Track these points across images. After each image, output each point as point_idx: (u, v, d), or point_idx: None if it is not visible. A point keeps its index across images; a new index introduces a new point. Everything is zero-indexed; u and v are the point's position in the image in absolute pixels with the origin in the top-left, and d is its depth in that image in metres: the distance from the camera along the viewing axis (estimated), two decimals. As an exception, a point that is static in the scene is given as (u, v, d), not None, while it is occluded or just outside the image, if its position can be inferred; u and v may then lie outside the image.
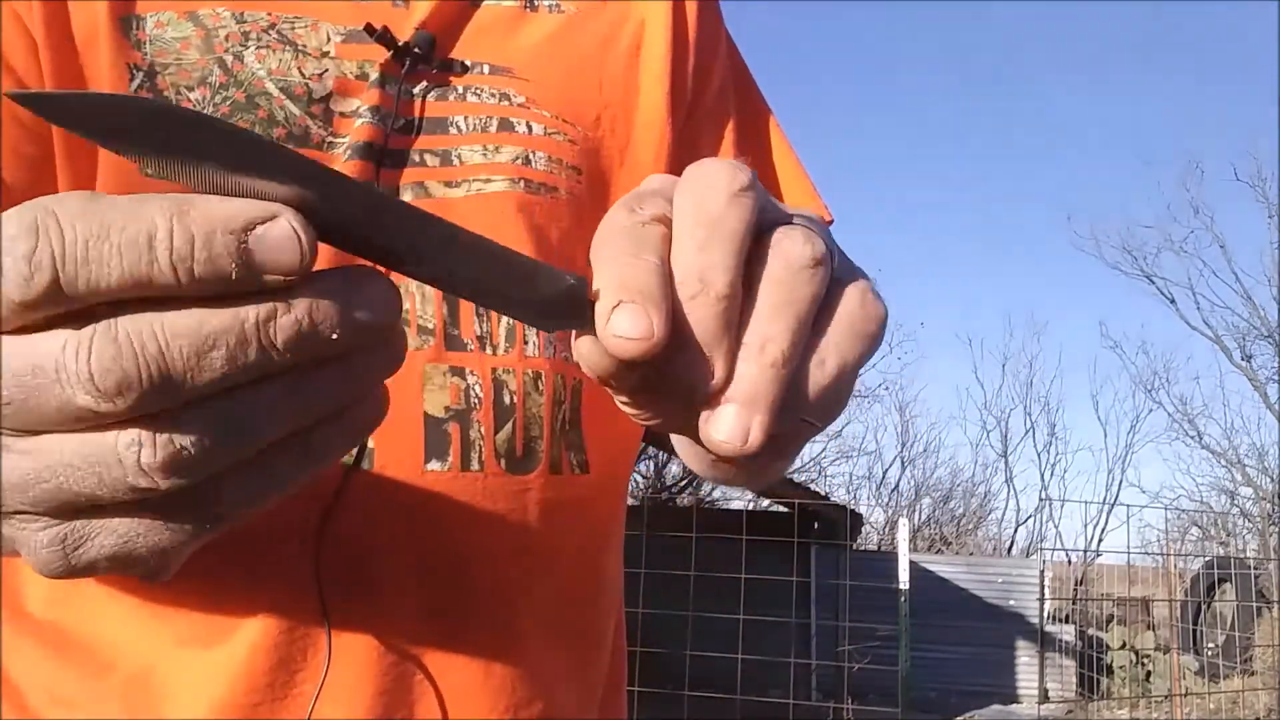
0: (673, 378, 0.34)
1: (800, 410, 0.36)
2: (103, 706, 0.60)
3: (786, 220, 0.37)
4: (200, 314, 0.29)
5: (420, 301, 0.64)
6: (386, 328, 0.32)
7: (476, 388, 0.64)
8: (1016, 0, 34.00)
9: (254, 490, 0.33)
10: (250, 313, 0.29)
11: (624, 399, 0.38)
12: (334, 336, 0.31)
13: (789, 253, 0.35)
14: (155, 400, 0.29)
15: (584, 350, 0.35)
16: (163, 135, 0.28)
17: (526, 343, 0.66)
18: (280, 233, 0.29)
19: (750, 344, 0.35)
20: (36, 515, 0.32)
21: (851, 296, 0.37)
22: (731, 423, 0.34)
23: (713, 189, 0.35)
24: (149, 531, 0.33)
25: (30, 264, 0.28)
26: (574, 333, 0.35)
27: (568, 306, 0.34)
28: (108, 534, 0.33)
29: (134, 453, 0.30)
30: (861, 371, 0.40)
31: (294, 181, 0.30)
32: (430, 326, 0.64)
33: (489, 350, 0.65)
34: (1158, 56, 33.29)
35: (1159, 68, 33.39)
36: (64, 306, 0.29)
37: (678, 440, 0.71)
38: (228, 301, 0.29)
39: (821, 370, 0.36)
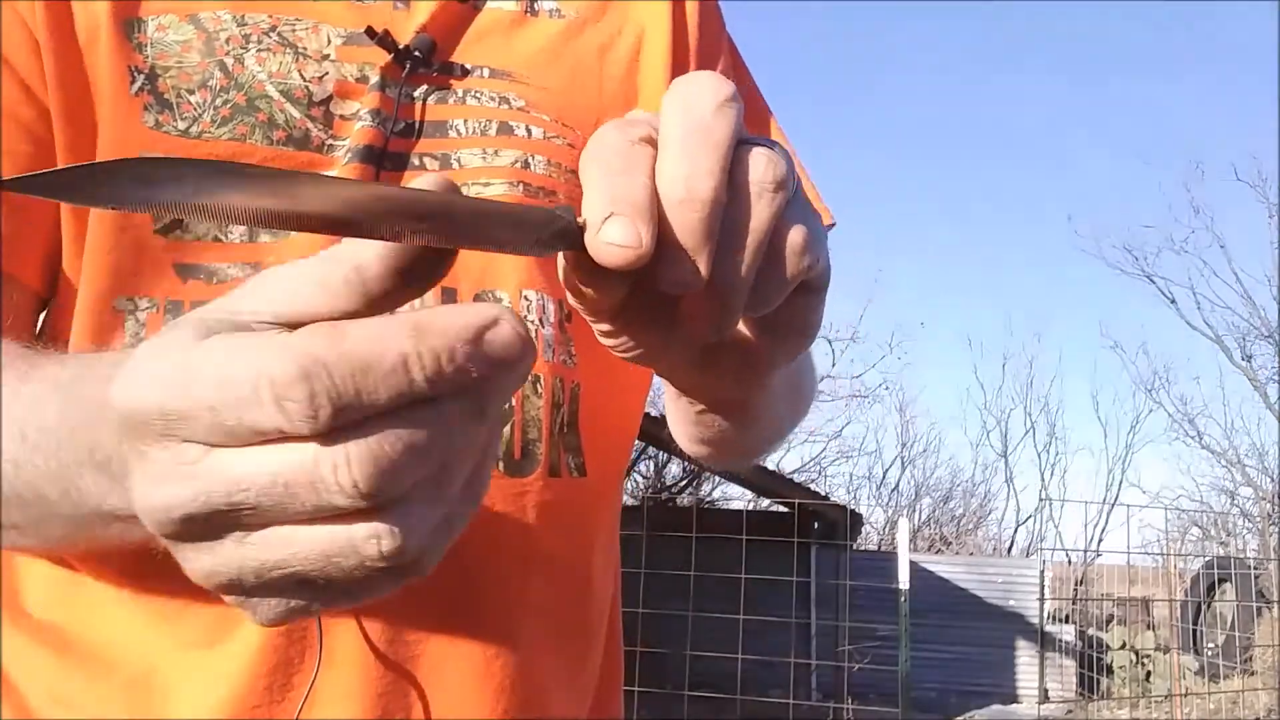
0: (656, 284, 0.37)
1: (753, 312, 0.40)
2: (104, 707, 0.60)
3: (756, 141, 0.39)
4: (439, 414, 0.32)
5: (419, 306, 0.64)
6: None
7: None
8: (1017, 0, 34.04)
9: (444, 545, 0.36)
10: (476, 402, 0.33)
11: (604, 326, 0.42)
12: (509, 396, 0.35)
13: (753, 176, 0.38)
14: (401, 489, 0.32)
15: (572, 266, 0.38)
16: (194, 189, 0.30)
17: None
18: (506, 335, 0.33)
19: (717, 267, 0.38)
20: (263, 595, 0.35)
21: (787, 227, 0.39)
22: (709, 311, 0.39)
23: (701, 98, 0.37)
24: (367, 592, 0.35)
25: (313, 405, 0.30)
26: (561, 256, 0.38)
27: (559, 235, 0.36)
28: (329, 598, 0.35)
29: (374, 544, 0.32)
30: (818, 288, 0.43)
31: (268, 196, 0.31)
32: (431, 328, 0.64)
33: None
34: (1158, 56, 33.33)
35: (1160, 67, 33.42)
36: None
37: (674, 422, 0.71)
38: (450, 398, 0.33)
39: (772, 288, 0.40)
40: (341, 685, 0.60)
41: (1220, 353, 15.31)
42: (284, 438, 0.31)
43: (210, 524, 0.32)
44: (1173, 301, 15.95)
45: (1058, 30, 34.15)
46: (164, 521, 0.33)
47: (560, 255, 0.38)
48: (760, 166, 0.38)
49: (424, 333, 0.31)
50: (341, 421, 0.31)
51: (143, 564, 0.58)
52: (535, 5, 0.74)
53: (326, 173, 0.61)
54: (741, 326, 0.45)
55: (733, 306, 0.39)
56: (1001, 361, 21.58)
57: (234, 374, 0.31)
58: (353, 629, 0.60)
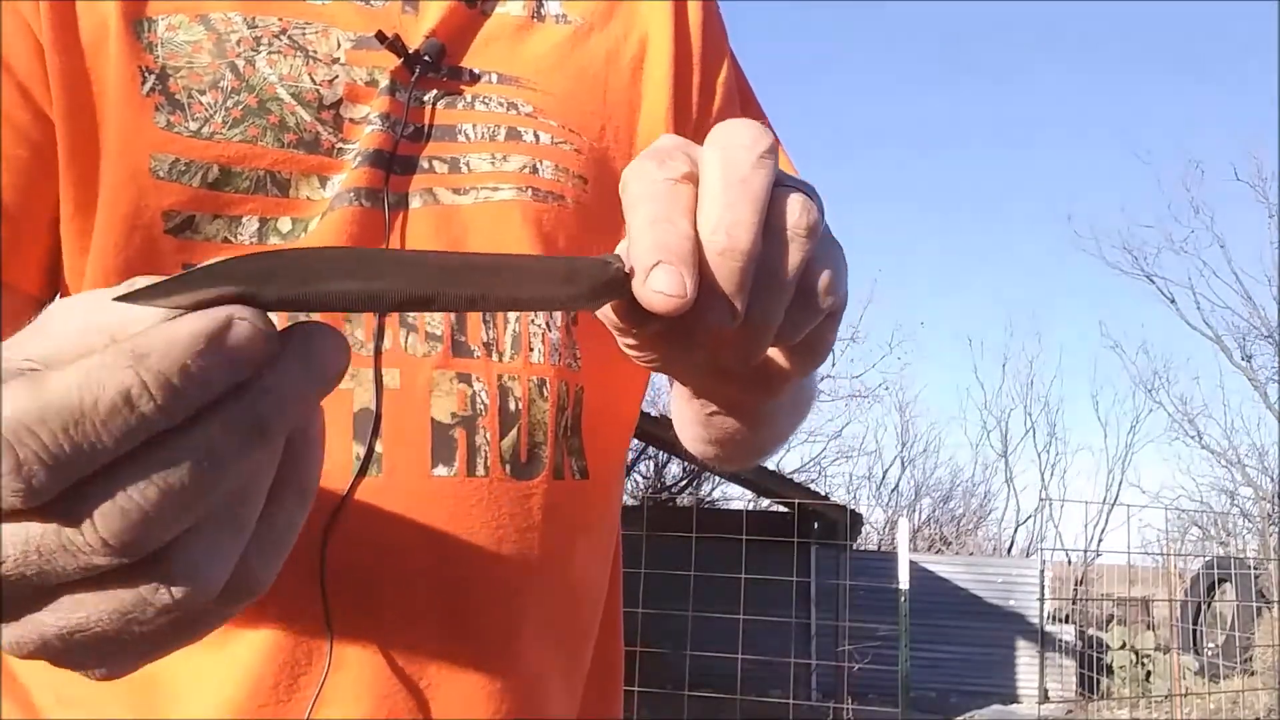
0: (692, 323, 0.39)
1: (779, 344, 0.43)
2: (109, 707, 0.60)
3: (793, 186, 0.41)
4: (189, 442, 0.29)
5: None
6: (344, 371, 0.32)
7: (483, 394, 0.64)
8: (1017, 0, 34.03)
9: (272, 552, 0.34)
10: (236, 416, 0.29)
11: (631, 342, 0.43)
12: (313, 399, 0.31)
13: (788, 220, 0.40)
14: (170, 531, 0.29)
15: (621, 312, 0.40)
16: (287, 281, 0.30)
17: (532, 350, 0.67)
18: (243, 334, 0.29)
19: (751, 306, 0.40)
20: (78, 654, 0.32)
21: (817, 269, 0.41)
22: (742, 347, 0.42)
23: (741, 151, 0.39)
24: (196, 631, 0.33)
25: (23, 476, 0.27)
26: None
27: (610, 284, 0.38)
28: (158, 640, 0.32)
29: (164, 595, 0.30)
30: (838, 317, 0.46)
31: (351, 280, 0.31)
32: (438, 333, 0.64)
33: (495, 357, 0.65)
34: (1158, 55, 33.33)
35: (1160, 67, 33.42)
36: (64, 486, 0.28)
37: (682, 422, 0.72)
38: (202, 419, 0.29)
39: (795, 325, 0.42)
40: (347, 686, 0.60)
41: (1220, 353, 15.30)
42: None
43: None
44: (1172, 301, 15.94)
45: (1058, 30, 34.17)
46: None
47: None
48: (795, 212, 0.40)
49: (144, 357, 0.28)
50: (73, 478, 0.28)
51: None
52: (541, 11, 0.74)
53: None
54: None
55: (763, 343, 0.41)
56: (1001, 361, 21.56)
57: None
58: (360, 628, 0.60)
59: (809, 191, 0.41)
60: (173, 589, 0.30)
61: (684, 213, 0.38)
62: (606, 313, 0.41)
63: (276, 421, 0.30)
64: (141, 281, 0.30)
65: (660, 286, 0.37)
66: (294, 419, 0.31)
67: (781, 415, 0.69)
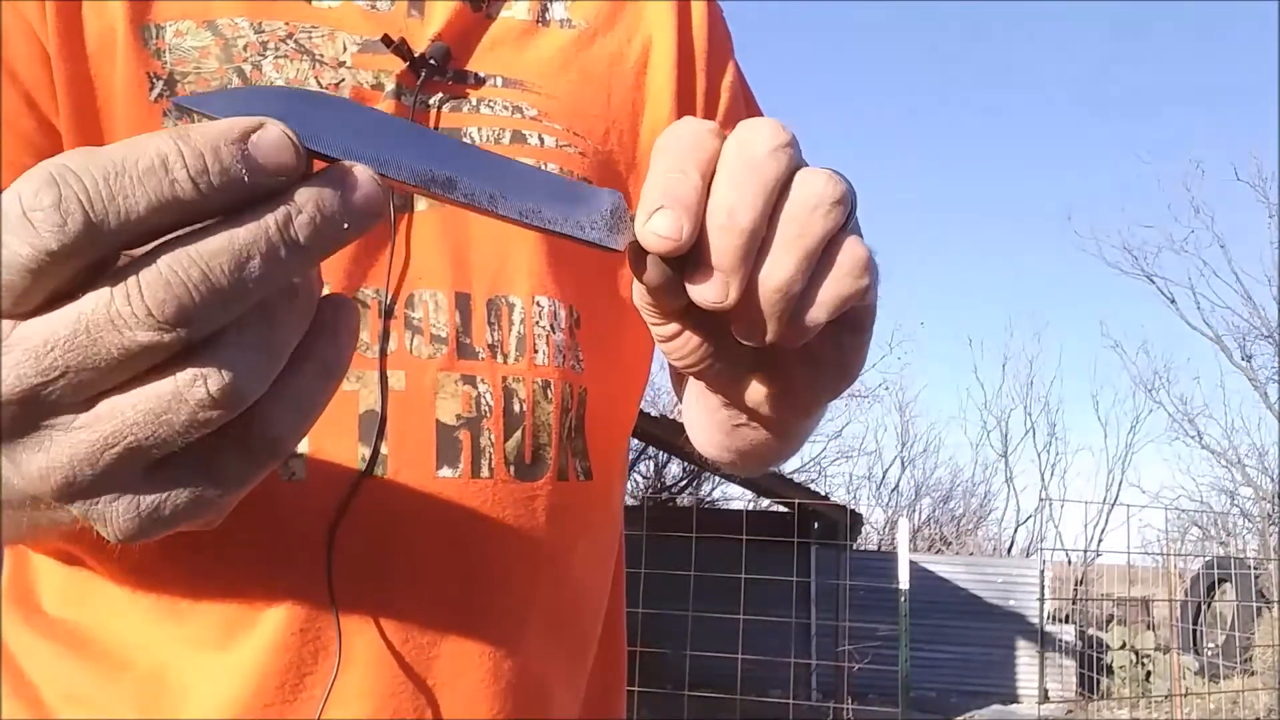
0: (694, 291, 0.40)
1: (799, 334, 0.42)
2: (116, 706, 0.60)
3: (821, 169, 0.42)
4: (227, 232, 0.31)
5: (433, 310, 0.64)
6: (379, 214, 0.34)
7: (488, 396, 0.65)
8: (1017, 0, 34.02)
9: (296, 409, 0.35)
10: (269, 219, 0.31)
11: (665, 331, 0.46)
12: (345, 226, 0.33)
13: (807, 191, 0.40)
14: (210, 322, 0.31)
15: (631, 260, 0.41)
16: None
17: (536, 352, 0.67)
18: (272, 137, 0.32)
19: (760, 271, 0.40)
20: (105, 491, 0.33)
21: (848, 244, 0.42)
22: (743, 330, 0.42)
23: (757, 140, 0.40)
24: (215, 474, 0.34)
25: (60, 211, 0.29)
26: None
27: (611, 218, 0.40)
28: (179, 490, 0.34)
29: (199, 387, 0.31)
30: (869, 307, 0.46)
31: (356, 135, 0.34)
32: (443, 335, 0.64)
33: (500, 359, 0.66)
34: (1158, 55, 33.32)
35: (1160, 66, 33.41)
36: (98, 250, 0.30)
37: (703, 429, 0.72)
38: (240, 218, 0.31)
39: (817, 303, 0.42)
40: (353, 685, 0.60)
41: (1220, 353, 15.28)
42: (68, 293, 0.30)
43: (33, 408, 0.31)
44: (1173, 301, 15.92)
45: (1058, 29, 34.16)
46: None
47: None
48: (820, 183, 0.40)
49: (185, 134, 0.31)
50: (109, 234, 0.30)
51: (154, 562, 0.59)
52: (546, 15, 0.74)
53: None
54: (787, 360, 0.48)
55: (776, 313, 0.41)
56: (1001, 361, 21.55)
57: None
58: (367, 628, 0.61)
59: (839, 174, 0.42)
60: (208, 380, 0.31)
61: (697, 167, 0.40)
62: (641, 293, 0.43)
63: (308, 234, 0.32)
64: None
65: (656, 227, 0.39)
66: (325, 240, 0.33)
67: (807, 429, 0.70)
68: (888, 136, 35.05)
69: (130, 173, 0.30)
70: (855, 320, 0.46)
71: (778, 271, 0.40)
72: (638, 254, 0.41)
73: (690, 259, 0.40)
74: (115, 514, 0.33)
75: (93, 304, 0.30)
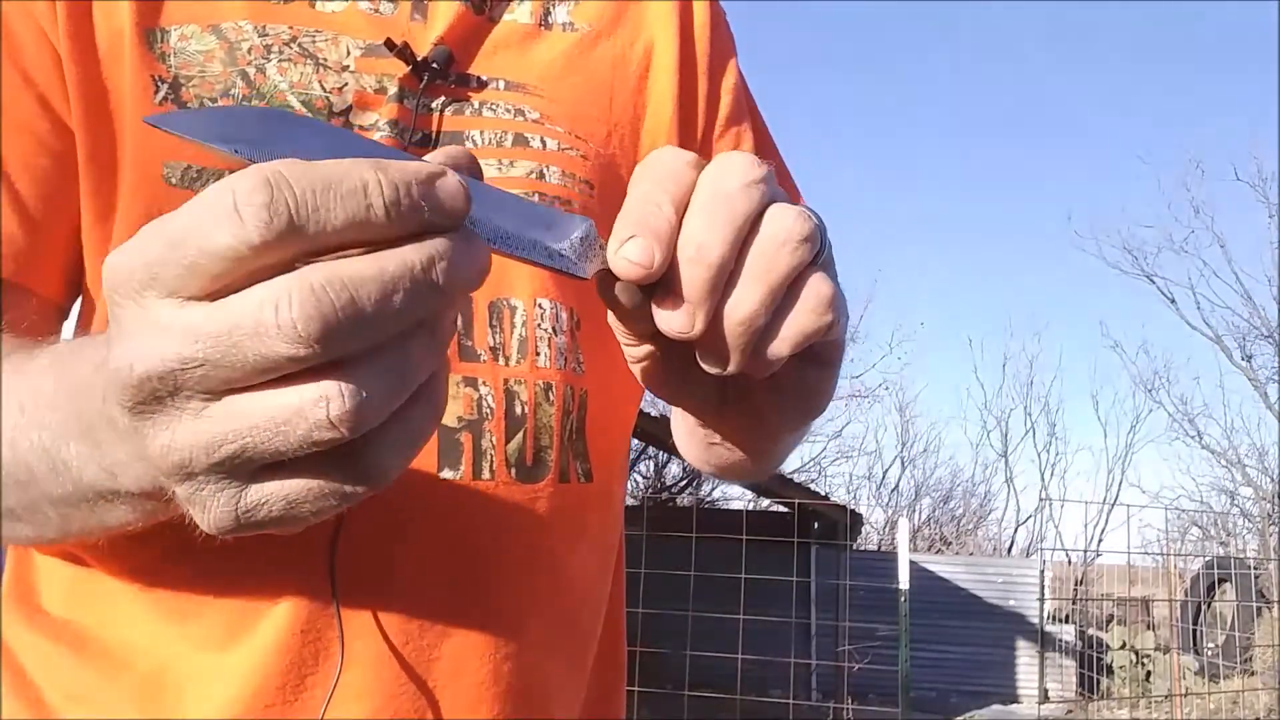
0: (660, 319, 0.42)
1: (763, 366, 0.43)
2: (117, 705, 0.60)
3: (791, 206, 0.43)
4: (379, 259, 0.33)
5: None
6: (485, 272, 0.37)
7: (489, 398, 0.65)
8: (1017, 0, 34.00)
9: (403, 443, 0.36)
10: (416, 258, 0.34)
11: (637, 353, 0.47)
12: (473, 279, 0.36)
13: (777, 227, 0.41)
14: (347, 345, 0.33)
15: (601, 289, 0.42)
16: (265, 132, 0.35)
17: (538, 354, 0.67)
18: (454, 184, 0.35)
19: (726, 304, 0.42)
20: (214, 478, 0.35)
21: (813, 280, 0.43)
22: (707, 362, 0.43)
23: (731, 175, 0.42)
24: (316, 492, 0.36)
25: (270, 210, 0.31)
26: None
27: (581, 245, 0.41)
28: (278, 498, 0.35)
29: (321, 407, 0.33)
30: (839, 339, 0.47)
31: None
32: (444, 337, 0.65)
33: (501, 361, 0.66)
34: (1158, 55, 33.30)
35: (1160, 66, 33.39)
36: (288, 252, 0.32)
37: (685, 442, 0.72)
38: (390, 254, 0.34)
39: (780, 337, 0.43)
40: (354, 686, 0.60)
41: (1220, 353, 15.28)
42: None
43: (167, 386, 0.33)
44: (1173, 301, 15.92)
45: (1058, 29, 34.14)
46: (126, 384, 0.33)
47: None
48: (789, 219, 0.41)
49: (385, 168, 0.33)
50: (305, 239, 0.32)
51: (156, 562, 0.60)
52: (549, 18, 0.74)
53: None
54: (755, 389, 0.49)
55: (740, 344, 0.42)
56: (1001, 361, 21.54)
57: (207, 199, 0.32)
58: (369, 628, 0.61)
59: (810, 210, 0.43)
60: (331, 403, 0.33)
61: (671, 199, 0.41)
62: (613, 316, 0.44)
63: (448, 277, 0.34)
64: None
65: (629, 253, 0.40)
66: (461, 285, 0.35)
67: (782, 450, 0.70)
68: (887, 136, 35.06)
69: (335, 190, 0.32)
70: (822, 355, 0.47)
71: (743, 305, 0.41)
72: (606, 281, 0.42)
73: (660, 288, 0.41)
74: (217, 503, 0.35)
75: (242, 307, 0.32)
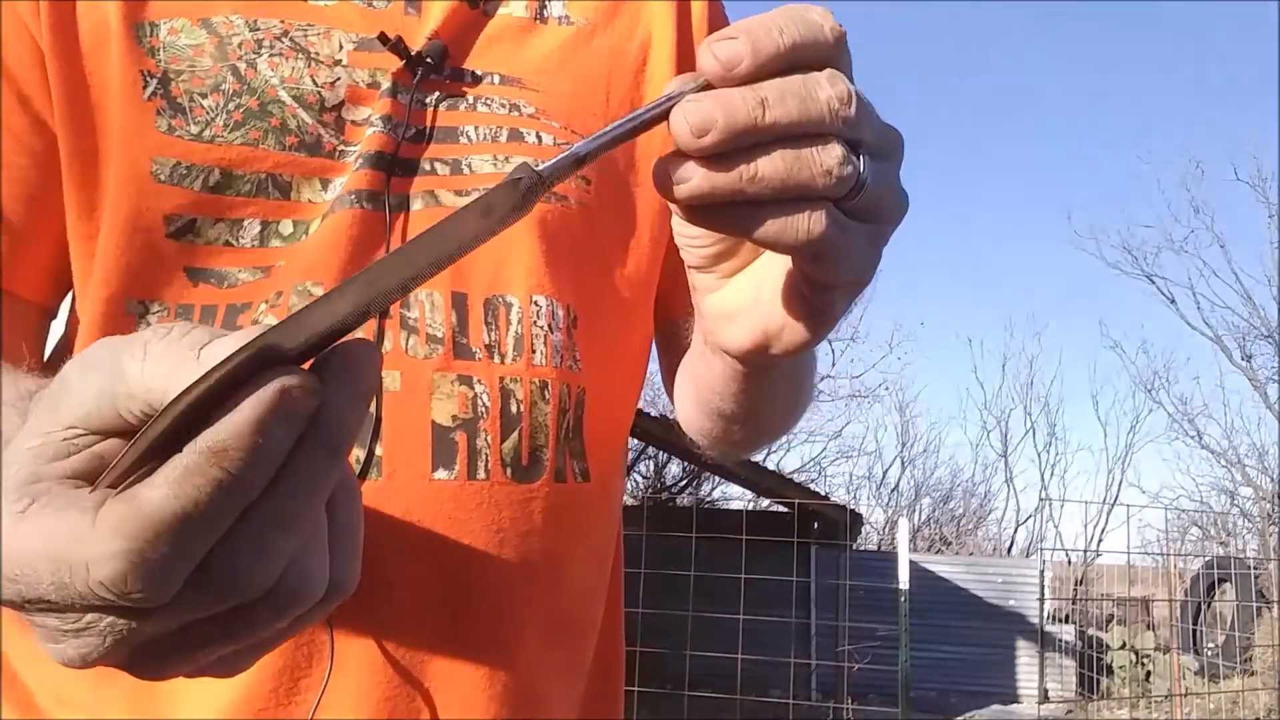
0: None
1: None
2: (109, 708, 0.60)
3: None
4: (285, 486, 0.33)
5: (429, 310, 0.64)
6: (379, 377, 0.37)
7: (484, 396, 0.64)
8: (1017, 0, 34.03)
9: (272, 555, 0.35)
10: (317, 455, 0.33)
11: (690, 233, 0.46)
12: (361, 419, 0.35)
13: (829, 158, 0.40)
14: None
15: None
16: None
17: (534, 352, 0.67)
18: (298, 397, 0.32)
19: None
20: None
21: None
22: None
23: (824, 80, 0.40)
24: (240, 629, 0.35)
25: (142, 576, 0.31)
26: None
27: (528, 196, 0.38)
28: (204, 650, 0.36)
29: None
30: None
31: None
32: (439, 335, 0.64)
33: (497, 359, 0.65)
34: (1158, 55, 33.32)
35: (1160, 66, 33.41)
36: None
37: (690, 391, 0.72)
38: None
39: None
40: (349, 689, 0.60)
41: (1220, 353, 15.27)
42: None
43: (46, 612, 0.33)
44: (1173, 301, 15.91)
45: (1058, 29, 34.18)
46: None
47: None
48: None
49: (223, 453, 0.31)
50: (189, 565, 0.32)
51: None
52: (544, 12, 0.74)
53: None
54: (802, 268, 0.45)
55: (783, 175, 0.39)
56: (1001, 361, 21.57)
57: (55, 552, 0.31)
58: (361, 632, 0.60)
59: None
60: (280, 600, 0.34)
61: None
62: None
63: (346, 443, 0.34)
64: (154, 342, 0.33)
65: (720, 50, 0.38)
66: (355, 434, 0.34)
67: (781, 402, 0.69)
68: (888, 136, 34.93)
69: (195, 520, 0.31)
70: (855, 286, 0.44)
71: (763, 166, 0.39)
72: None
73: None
74: (73, 648, 0.34)
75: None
